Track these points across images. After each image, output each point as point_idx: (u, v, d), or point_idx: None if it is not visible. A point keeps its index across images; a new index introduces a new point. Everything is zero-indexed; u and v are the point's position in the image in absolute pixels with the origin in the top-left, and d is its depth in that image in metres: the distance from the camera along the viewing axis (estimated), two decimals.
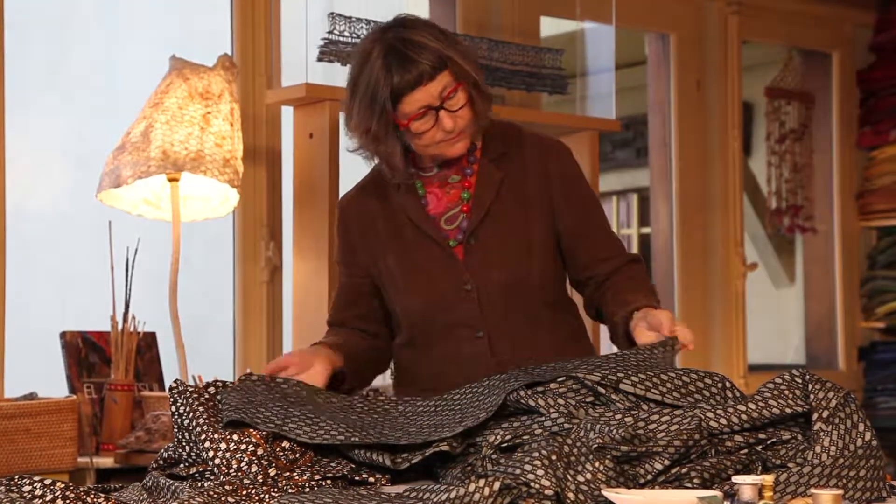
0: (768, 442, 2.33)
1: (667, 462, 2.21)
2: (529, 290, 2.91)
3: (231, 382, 2.61)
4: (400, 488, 2.28)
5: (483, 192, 2.91)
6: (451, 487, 2.06)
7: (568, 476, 2.12)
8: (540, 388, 2.47)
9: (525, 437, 2.38)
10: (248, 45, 4.16)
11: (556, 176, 2.95)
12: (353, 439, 2.42)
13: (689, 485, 2.19)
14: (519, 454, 2.21)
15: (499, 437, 2.39)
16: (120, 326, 3.64)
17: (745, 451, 2.31)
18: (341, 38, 3.97)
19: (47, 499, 2.17)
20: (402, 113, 2.80)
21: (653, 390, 2.42)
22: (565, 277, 3.03)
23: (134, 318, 3.66)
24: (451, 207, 2.93)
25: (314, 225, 3.89)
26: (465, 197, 2.92)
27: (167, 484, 2.37)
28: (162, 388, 3.82)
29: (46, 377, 3.82)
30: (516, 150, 2.96)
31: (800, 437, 2.34)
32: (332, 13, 3.97)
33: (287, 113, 4.11)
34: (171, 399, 2.50)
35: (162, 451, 2.54)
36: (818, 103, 5.77)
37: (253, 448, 2.38)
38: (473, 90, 2.83)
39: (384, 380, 3.98)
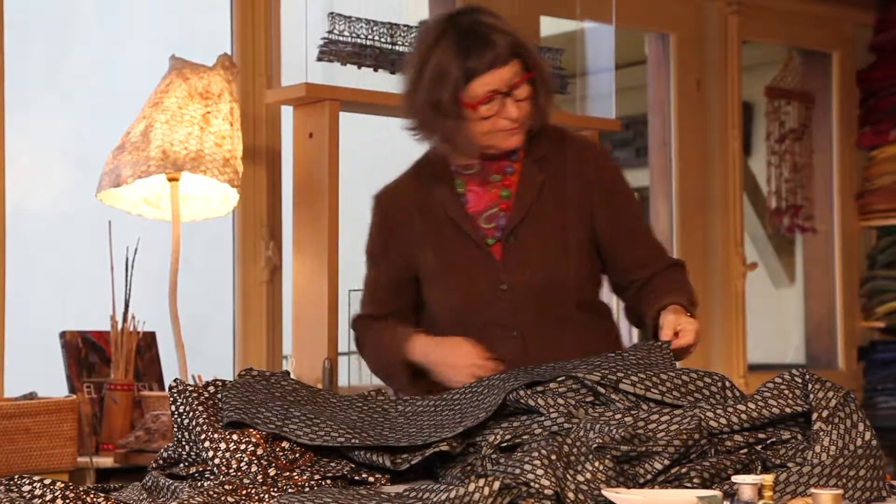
0: (768, 442, 2.33)
1: (666, 462, 2.21)
2: (564, 292, 2.91)
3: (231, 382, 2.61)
4: (400, 488, 2.28)
5: (524, 193, 2.91)
6: (451, 487, 2.06)
7: (568, 476, 2.12)
8: (540, 388, 2.47)
9: (525, 437, 2.38)
10: (248, 44, 4.16)
11: (596, 180, 2.95)
12: (353, 441, 2.42)
13: (689, 484, 2.19)
14: (519, 454, 2.21)
15: (498, 436, 2.39)
16: (120, 326, 3.64)
17: (745, 450, 2.31)
18: (341, 38, 3.97)
19: (47, 499, 2.17)
20: (471, 94, 2.80)
21: (652, 390, 2.42)
22: (601, 281, 3.03)
23: (134, 317, 3.66)
24: (490, 206, 2.93)
25: (314, 225, 3.89)
26: (505, 195, 2.92)
27: (167, 484, 2.37)
28: (162, 388, 3.82)
29: (46, 377, 3.82)
30: (558, 153, 2.96)
31: (799, 436, 2.34)
32: (331, 13, 3.97)
33: (287, 113, 4.11)
34: (171, 398, 2.50)
35: (162, 450, 2.54)
36: (818, 103, 5.77)
37: (253, 448, 2.38)
38: (540, 84, 2.83)
39: None
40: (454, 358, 2.83)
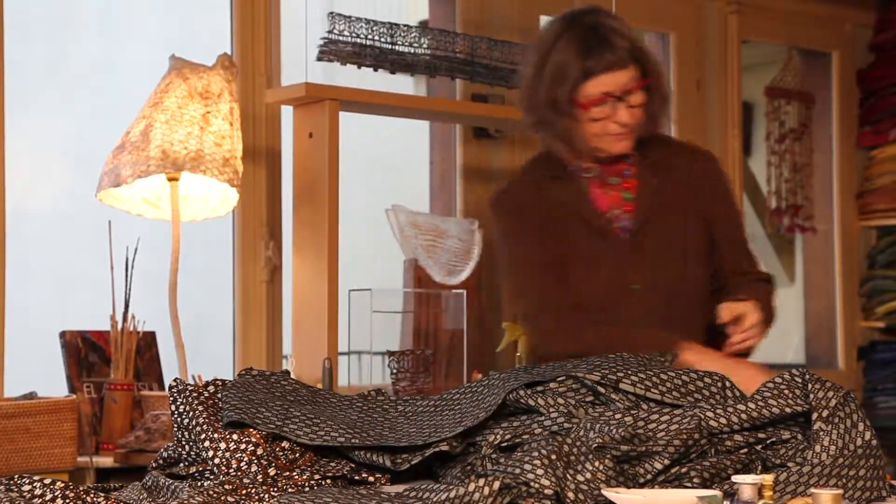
0: (768, 441, 2.33)
1: (666, 461, 2.21)
2: (686, 294, 2.92)
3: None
4: (399, 488, 2.28)
5: (644, 195, 2.93)
6: (451, 487, 2.06)
7: (568, 475, 2.12)
8: (540, 388, 2.47)
9: (525, 437, 2.38)
10: (248, 44, 4.16)
11: (708, 185, 2.98)
12: (353, 441, 2.42)
13: (689, 484, 2.19)
14: (518, 454, 2.21)
15: (498, 436, 2.39)
16: (120, 326, 3.65)
17: (745, 450, 2.31)
18: (341, 38, 3.97)
19: (47, 498, 2.17)
20: (585, 94, 2.81)
21: (652, 389, 2.42)
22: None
23: (134, 317, 3.66)
24: (613, 207, 2.94)
25: (314, 225, 3.89)
26: (628, 198, 2.93)
27: (167, 483, 2.37)
28: (161, 388, 3.82)
29: (46, 377, 3.82)
30: (669, 157, 2.98)
31: (799, 436, 2.34)
32: (331, 13, 3.97)
33: (287, 112, 4.11)
34: (171, 398, 2.50)
35: (161, 450, 2.54)
36: (818, 103, 5.77)
37: (253, 448, 2.38)
38: (655, 92, 2.84)
39: (383, 380, 3.99)
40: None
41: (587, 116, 2.84)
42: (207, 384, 2.56)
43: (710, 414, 2.33)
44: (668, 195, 2.94)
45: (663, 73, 2.89)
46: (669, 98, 2.92)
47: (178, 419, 2.48)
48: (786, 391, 2.37)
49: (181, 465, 2.48)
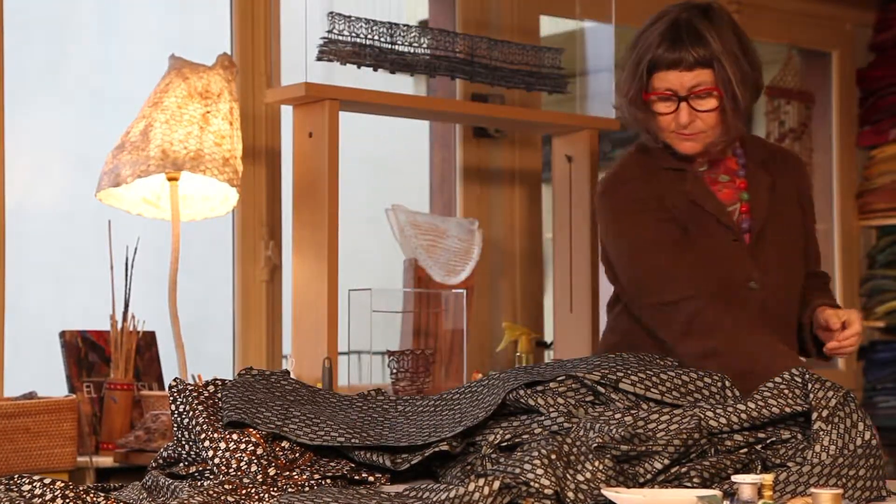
0: (768, 441, 2.34)
1: (666, 461, 2.21)
2: (793, 296, 2.94)
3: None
4: (399, 487, 2.28)
5: (758, 195, 2.92)
6: (451, 487, 2.06)
7: (567, 475, 2.12)
8: (539, 388, 2.47)
9: (525, 437, 2.38)
10: (248, 44, 4.16)
11: (803, 187, 3.02)
12: (353, 441, 2.42)
13: (689, 484, 2.19)
14: (518, 453, 2.21)
15: (498, 436, 2.39)
16: (119, 326, 3.65)
17: (745, 450, 2.31)
18: (341, 38, 3.97)
19: (47, 498, 2.17)
20: (652, 86, 2.82)
21: (652, 389, 2.42)
22: None
23: (133, 317, 3.66)
24: (729, 204, 2.94)
25: (314, 224, 3.88)
26: (745, 198, 2.92)
27: (167, 483, 2.37)
28: (161, 388, 3.82)
29: (46, 376, 3.82)
30: (771, 159, 2.99)
31: (799, 436, 2.34)
32: (331, 12, 3.97)
33: (287, 112, 4.11)
34: (171, 398, 2.50)
35: (161, 450, 2.54)
36: (818, 102, 5.77)
37: (252, 447, 2.38)
38: (729, 102, 2.81)
39: (383, 379, 3.99)
40: None
41: (652, 109, 2.85)
42: (207, 384, 2.56)
43: (710, 414, 2.33)
44: (780, 194, 2.95)
45: (745, 88, 2.81)
46: (743, 113, 2.85)
47: (178, 419, 2.48)
48: (786, 391, 2.37)
49: (181, 464, 2.48)
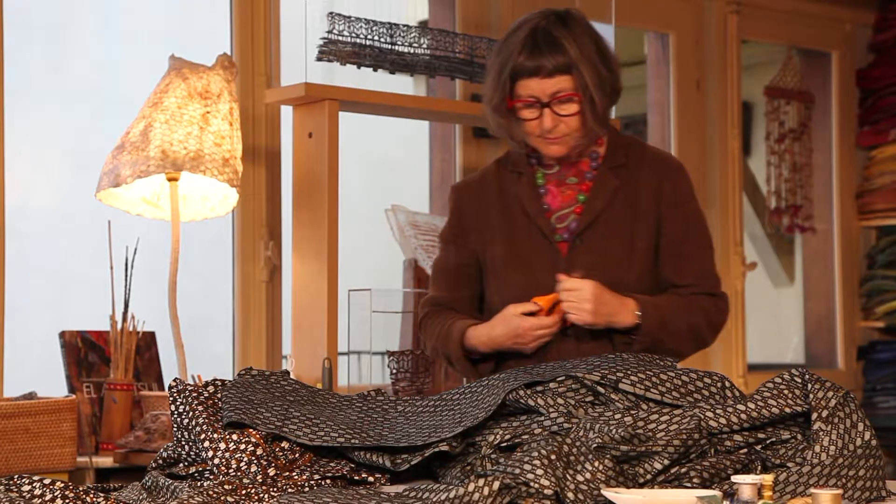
0: (767, 441, 2.34)
1: (666, 462, 2.21)
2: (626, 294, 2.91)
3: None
4: (399, 488, 2.28)
5: (596, 198, 2.95)
6: (451, 487, 2.06)
7: (567, 475, 2.12)
8: (539, 388, 2.48)
9: (524, 437, 2.38)
10: (248, 44, 4.16)
11: (667, 193, 2.98)
12: (352, 441, 2.42)
13: (689, 484, 2.19)
14: (518, 454, 2.21)
15: (498, 436, 2.39)
16: (119, 326, 3.64)
17: (745, 450, 2.31)
18: (340, 38, 3.97)
19: (47, 498, 2.17)
20: (515, 93, 2.88)
21: (652, 390, 2.42)
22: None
23: (133, 317, 3.66)
24: (564, 206, 2.97)
25: (313, 224, 3.89)
26: (581, 199, 2.96)
27: (166, 483, 2.37)
28: (161, 388, 3.82)
29: (46, 377, 3.82)
30: (636, 163, 3.00)
31: (799, 436, 2.35)
32: (331, 13, 3.97)
33: (286, 112, 4.11)
34: (171, 398, 2.50)
35: (161, 450, 2.54)
36: (818, 103, 5.77)
37: (252, 448, 2.38)
38: (588, 106, 2.85)
39: (383, 380, 3.99)
40: (512, 331, 2.85)
41: (516, 116, 2.90)
42: (207, 384, 2.56)
43: (709, 414, 2.33)
44: (623, 200, 2.95)
45: (604, 92, 2.88)
46: (605, 116, 2.92)
47: (178, 419, 2.48)
48: (785, 391, 2.37)
49: (181, 465, 2.48)
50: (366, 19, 4.02)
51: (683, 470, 2.21)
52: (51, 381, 3.72)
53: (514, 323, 2.83)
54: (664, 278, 2.97)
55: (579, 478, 2.12)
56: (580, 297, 2.79)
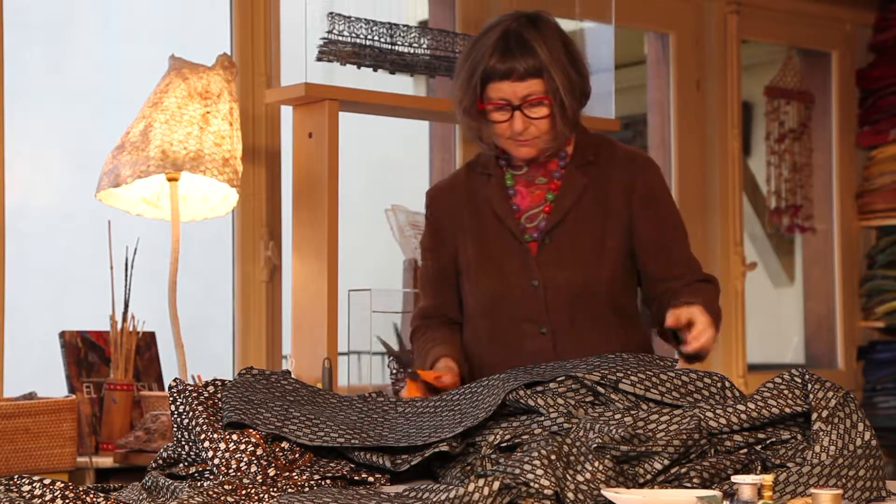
0: (767, 441, 2.34)
1: (666, 462, 2.21)
2: (597, 295, 2.92)
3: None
4: (399, 488, 2.28)
5: (565, 196, 2.96)
6: (451, 487, 2.06)
7: (567, 476, 2.12)
8: (539, 388, 2.48)
9: (524, 437, 2.38)
10: (248, 44, 4.16)
11: (639, 190, 2.98)
12: (352, 441, 2.42)
13: (689, 484, 2.19)
14: (518, 454, 2.21)
15: (498, 436, 2.39)
16: (119, 326, 3.65)
17: (745, 450, 2.31)
18: (340, 38, 3.97)
19: (47, 498, 2.17)
20: (486, 96, 2.89)
21: (652, 390, 2.42)
22: (636, 289, 3.05)
23: (133, 317, 3.66)
24: (533, 206, 2.98)
25: (313, 224, 3.89)
26: (549, 198, 2.97)
27: (166, 483, 2.37)
28: (161, 388, 3.82)
29: (46, 377, 3.82)
30: (606, 161, 3.00)
31: (799, 436, 2.35)
32: (331, 13, 3.97)
33: (286, 112, 4.11)
34: (171, 398, 2.50)
35: (161, 450, 2.54)
36: (818, 103, 5.77)
37: (252, 448, 2.38)
38: (558, 109, 2.86)
39: (383, 380, 3.99)
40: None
41: (487, 118, 2.90)
42: (207, 384, 2.56)
43: (709, 414, 2.33)
44: (592, 197, 2.96)
45: (574, 96, 2.88)
46: (575, 119, 2.93)
47: (178, 419, 2.48)
48: (785, 391, 2.37)
49: (181, 465, 2.48)
50: (366, 19, 4.02)
51: (683, 470, 2.21)
52: (51, 381, 3.72)
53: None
54: (652, 275, 2.97)
55: (579, 478, 2.12)
56: (704, 325, 2.74)
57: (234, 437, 2.39)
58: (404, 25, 4.10)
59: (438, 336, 3.02)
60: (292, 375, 2.72)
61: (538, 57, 2.85)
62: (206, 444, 2.40)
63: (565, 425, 2.36)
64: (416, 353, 3.06)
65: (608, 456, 2.18)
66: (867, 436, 2.27)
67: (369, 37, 4.02)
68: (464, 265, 3.01)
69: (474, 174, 3.06)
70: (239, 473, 2.35)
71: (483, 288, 2.97)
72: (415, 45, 4.12)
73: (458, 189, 3.07)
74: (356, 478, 2.40)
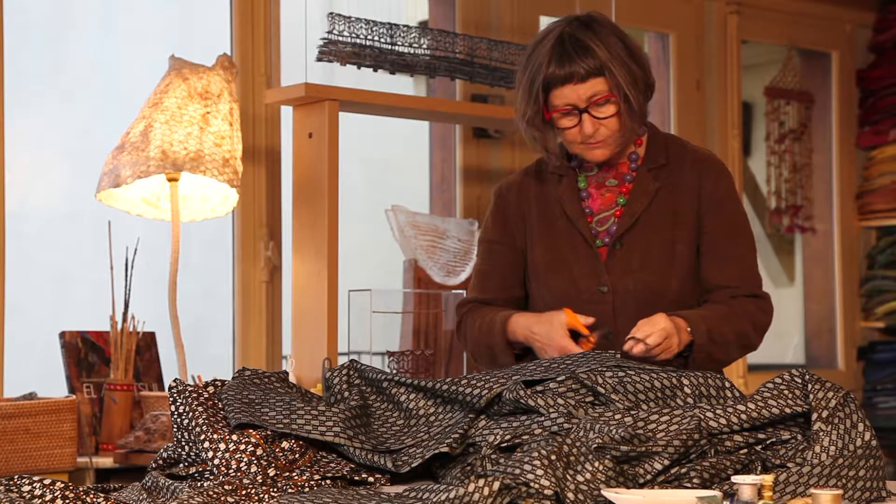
0: (768, 442, 2.34)
1: (666, 462, 2.21)
2: (664, 302, 2.89)
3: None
4: (399, 488, 2.28)
5: (636, 200, 2.93)
6: (451, 487, 2.06)
7: (567, 476, 2.12)
8: (540, 388, 2.48)
9: (524, 437, 2.38)
10: (248, 44, 4.16)
11: (708, 194, 2.96)
12: (359, 437, 2.42)
13: (689, 485, 2.19)
14: (518, 454, 2.21)
15: (498, 436, 2.39)
16: (119, 326, 3.65)
17: (745, 450, 2.31)
18: (340, 38, 3.97)
19: (47, 499, 2.17)
20: (551, 104, 2.87)
21: (619, 387, 2.43)
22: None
23: (133, 317, 3.66)
24: (604, 209, 2.95)
25: (313, 225, 3.89)
26: (621, 202, 2.94)
27: (166, 484, 2.37)
28: (161, 388, 3.82)
29: (46, 377, 3.83)
30: (676, 164, 2.98)
31: (799, 436, 2.35)
32: (331, 13, 3.97)
33: (286, 113, 4.11)
34: (171, 398, 2.50)
35: (161, 450, 2.54)
36: (818, 103, 5.77)
37: (252, 448, 2.38)
38: (625, 105, 2.85)
39: None
40: (548, 337, 2.84)
41: (556, 126, 2.89)
42: (207, 385, 2.56)
43: (709, 414, 2.33)
44: (663, 202, 2.94)
45: (637, 90, 2.86)
46: (643, 113, 2.91)
47: (178, 420, 2.48)
48: (786, 391, 2.37)
49: (181, 465, 2.48)
50: (366, 20, 4.02)
51: (683, 470, 2.21)
52: (51, 382, 3.73)
53: (557, 334, 2.82)
54: (706, 280, 2.94)
55: (579, 478, 2.13)
56: (662, 336, 2.73)
57: (234, 437, 2.39)
58: (404, 26, 4.10)
59: (502, 308, 2.98)
60: (291, 376, 2.73)
61: (597, 56, 2.82)
62: (206, 444, 2.40)
63: (565, 425, 2.36)
64: (473, 325, 2.99)
65: (608, 456, 2.19)
66: (867, 436, 2.27)
67: (369, 37, 4.02)
68: (532, 267, 2.99)
69: (546, 173, 3.02)
70: (239, 473, 2.35)
71: (552, 289, 2.94)
72: (415, 45, 4.12)
73: (528, 188, 3.04)
74: (356, 478, 2.40)
